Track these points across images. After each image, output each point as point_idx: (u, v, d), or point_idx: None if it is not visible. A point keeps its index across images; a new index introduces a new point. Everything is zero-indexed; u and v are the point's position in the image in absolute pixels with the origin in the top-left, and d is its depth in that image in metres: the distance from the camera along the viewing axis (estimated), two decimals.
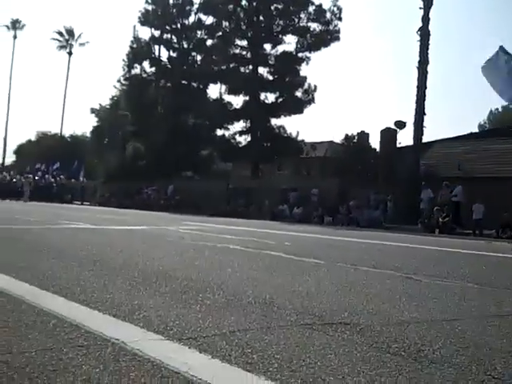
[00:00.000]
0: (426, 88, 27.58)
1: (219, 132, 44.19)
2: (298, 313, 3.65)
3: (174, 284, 4.59)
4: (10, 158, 75.19)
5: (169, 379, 2.21)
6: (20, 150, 73.26)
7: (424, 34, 27.77)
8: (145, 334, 2.90)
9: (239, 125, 42.72)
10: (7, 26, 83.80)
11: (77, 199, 44.25)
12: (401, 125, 29.75)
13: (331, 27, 40.59)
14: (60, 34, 75.51)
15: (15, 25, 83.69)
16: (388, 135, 30.12)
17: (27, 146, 71.62)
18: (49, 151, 59.81)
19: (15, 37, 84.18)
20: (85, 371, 2.25)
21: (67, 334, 2.82)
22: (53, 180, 47.26)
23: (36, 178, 47.58)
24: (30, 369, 2.25)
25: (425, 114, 27.63)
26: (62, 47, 76.00)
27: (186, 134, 43.23)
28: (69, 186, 46.69)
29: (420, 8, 27.87)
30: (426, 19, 27.73)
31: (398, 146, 30.27)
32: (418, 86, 27.63)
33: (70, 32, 75.71)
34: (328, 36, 40.65)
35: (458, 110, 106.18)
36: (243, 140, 42.78)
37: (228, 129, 43.38)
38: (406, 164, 27.54)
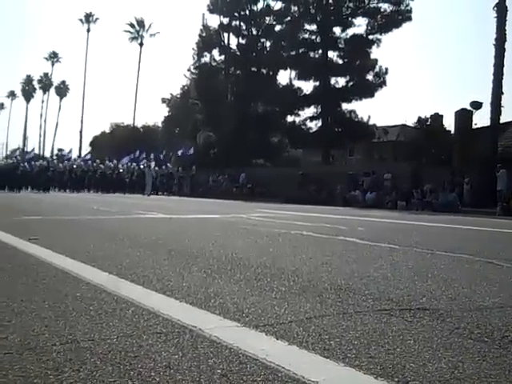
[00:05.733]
0: (503, 66, 26.70)
1: (289, 118, 44.19)
2: (375, 298, 3.60)
3: (248, 271, 4.60)
4: (86, 150, 77.31)
5: (247, 365, 2.21)
6: (95, 142, 75.22)
7: (501, 9, 26.83)
8: (221, 321, 2.91)
9: (309, 110, 42.59)
10: (81, 20, 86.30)
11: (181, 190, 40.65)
12: (477, 105, 28.90)
13: (402, 7, 39.76)
14: (131, 25, 77.22)
15: (88, 18, 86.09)
16: (463, 116, 29.23)
17: (101, 138, 73.47)
18: (122, 142, 61.03)
19: (89, 30, 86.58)
20: (164, 357, 2.28)
21: (146, 321, 2.87)
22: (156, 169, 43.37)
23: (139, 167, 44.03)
24: (112, 355, 2.30)
25: (502, 93, 26.77)
26: (133, 39, 77.72)
27: (257, 121, 43.35)
28: (178, 176, 43.17)
29: None
30: None
31: (474, 127, 29.44)
32: (494, 65, 26.76)
33: (141, 23, 77.29)
34: (399, 16, 39.83)
35: None
36: (314, 126, 42.63)
37: (298, 115, 43.29)
38: (482, 145, 26.75)
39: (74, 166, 43.82)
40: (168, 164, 45.30)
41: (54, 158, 58.21)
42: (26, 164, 42.03)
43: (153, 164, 44.12)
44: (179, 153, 47.19)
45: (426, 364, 2.28)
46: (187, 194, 37.93)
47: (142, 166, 43.97)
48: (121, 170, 43.87)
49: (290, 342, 2.55)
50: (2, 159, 54.00)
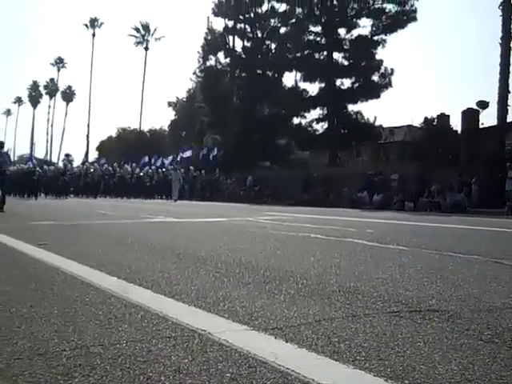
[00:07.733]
0: (509, 65, 26.63)
1: (296, 120, 44.09)
2: (384, 300, 3.59)
3: (257, 274, 4.60)
4: (93, 155, 77.28)
5: (256, 369, 2.20)
6: (101, 147, 75.24)
7: (506, 8, 26.76)
8: (230, 325, 2.91)
9: (315, 112, 42.49)
10: (86, 25, 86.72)
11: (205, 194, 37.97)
12: (483, 105, 28.81)
13: (407, 7, 39.61)
14: (136, 29, 77.47)
15: (93, 23, 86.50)
16: (470, 116, 29.10)
17: (108, 143, 73.47)
18: (129, 146, 61.02)
19: (94, 35, 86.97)
20: (174, 362, 2.28)
21: (155, 325, 2.88)
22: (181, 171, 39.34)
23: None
24: (122, 360, 2.30)
25: (509, 92, 26.71)
26: (138, 43, 77.99)
27: (263, 123, 43.34)
28: (202, 179, 40.44)
29: None
30: None
31: (481, 126, 29.33)
32: (500, 63, 26.69)
33: (146, 27, 77.53)
34: (404, 17, 39.68)
35: None
36: (320, 127, 42.52)
37: (304, 117, 43.23)
38: (489, 145, 26.65)
39: (91, 170, 41.94)
40: (191, 167, 42.28)
41: (65, 162, 57.36)
42: (38, 169, 40.11)
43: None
44: (200, 155, 45.07)
45: (437, 366, 2.27)
46: (210, 198, 35.53)
47: (164, 170, 42.37)
48: (141, 174, 42.01)
49: (300, 344, 2.55)
50: (11, 164, 53.14)
